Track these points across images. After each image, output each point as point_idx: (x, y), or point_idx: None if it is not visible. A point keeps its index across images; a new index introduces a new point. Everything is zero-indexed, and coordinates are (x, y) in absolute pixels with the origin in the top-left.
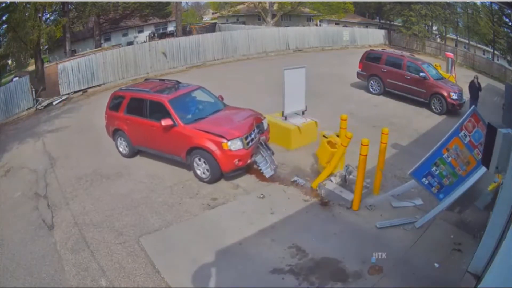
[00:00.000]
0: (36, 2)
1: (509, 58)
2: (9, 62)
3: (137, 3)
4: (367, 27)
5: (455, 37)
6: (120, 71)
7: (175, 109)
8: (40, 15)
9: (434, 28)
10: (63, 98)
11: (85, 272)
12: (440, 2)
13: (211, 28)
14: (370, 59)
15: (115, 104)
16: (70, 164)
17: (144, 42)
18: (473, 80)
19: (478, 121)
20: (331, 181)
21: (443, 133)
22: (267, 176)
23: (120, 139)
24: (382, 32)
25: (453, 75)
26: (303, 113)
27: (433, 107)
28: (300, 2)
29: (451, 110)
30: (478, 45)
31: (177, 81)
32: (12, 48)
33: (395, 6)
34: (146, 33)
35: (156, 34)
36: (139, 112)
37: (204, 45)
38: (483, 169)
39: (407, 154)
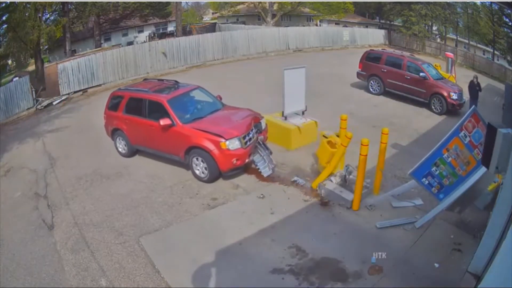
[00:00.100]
0: (36, 2)
1: (509, 58)
2: (9, 62)
3: (137, 3)
4: (367, 27)
5: (455, 37)
6: (120, 71)
7: (174, 108)
8: (40, 15)
9: (434, 28)
10: (63, 98)
11: (85, 272)
12: (440, 2)
13: (211, 28)
14: (370, 59)
15: (114, 104)
16: (70, 164)
17: (144, 42)
18: (472, 80)
19: (478, 121)
20: (331, 181)
21: (443, 133)
22: (265, 175)
23: (119, 139)
24: (382, 32)
25: (453, 75)
26: (303, 113)
27: (433, 107)
28: (300, 2)
29: (451, 110)
30: (478, 45)
31: (176, 81)
32: (12, 48)
33: (395, 6)
34: (146, 33)
35: (156, 34)
36: (138, 111)
37: (204, 45)
38: (483, 169)
39: (407, 154)
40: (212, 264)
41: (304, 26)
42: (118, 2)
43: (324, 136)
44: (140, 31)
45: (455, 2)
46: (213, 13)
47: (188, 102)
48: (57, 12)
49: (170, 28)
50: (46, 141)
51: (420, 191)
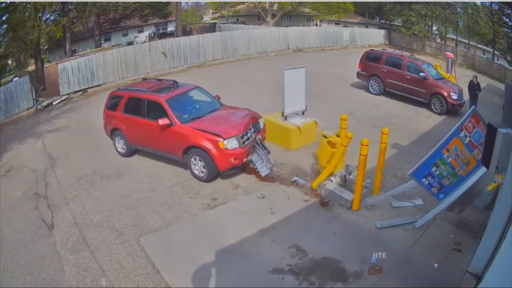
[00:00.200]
0: (36, 2)
1: (509, 58)
2: (9, 62)
3: (137, 3)
4: (367, 27)
5: (455, 37)
6: (120, 71)
7: (172, 108)
8: (40, 15)
9: (434, 28)
10: (63, 98)
11: (85, 272)
12: (440, 2)
13: (211, 28)
14: (370, 59)
15: (113, 104)
16: (70, 164)
17: (144, 42)
18: (472, 79)
19: (478, 121)
20: (331, 181)
21: (443, 133)
22: (263, 174)
23: (118, 138)
24: (382, 32)
25: (453, 75)
26: (303, 113)
27: (433, 107)
28: (300, 2)
29: (451, 110)
30: (478, 45)
31: (174, 81)
32: (12, 48)
33: (395, 6)
34: (146, 33)
35: (156, 34)
36: (137, 111)
37: (204, 45)
38: (483, 169)
39: (407, 154)
40: (212, 264)
41: (304, 26)
42: (118, 2)
43: (324, 136)
44: (140, 31)
45: (455, 2)
46: (213, 13)
47: (187, 102)
48: (57, 12)
49: (170, 28)
50: (46, 141)
51: (420, 191)
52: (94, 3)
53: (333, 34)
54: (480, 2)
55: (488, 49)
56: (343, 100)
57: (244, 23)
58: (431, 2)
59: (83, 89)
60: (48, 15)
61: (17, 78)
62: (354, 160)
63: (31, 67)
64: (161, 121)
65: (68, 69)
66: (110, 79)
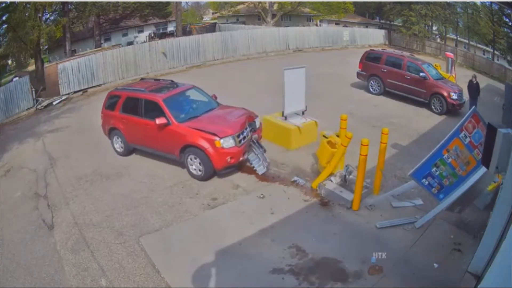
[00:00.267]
0: (36, 2)
1: (509, 58)
2: (9, 62)
3: (137, 3)
4: (367, 27)
5: (455, 37)
6: (120, 71)
7: (169, 108)
8: (40, 15)
9: (434, 28)
10: (63, 98)
11: (85, 272)
12: (440, 2)
13: (211, 28)
14: (370, 59)
15: (111, 104)
16: (70, 164)
17: (144, 42)
18: (471, 79)
19: (478, 121)
20: (331, 181)
21: (443, 133)
22: (259, 173)
23: (116, 138)
24: (382, 32)
25: (453, 75)
26: (303, 113)
27: (433, 107)
28: (300, 2)
29: (451, 110)
30: (478, 45)
31: (172, 81)
32: (12, 48)
33: (395, 6)
34: (146, 33)
35: (156, 34)
36: (135, 111)
37: (204, 45)
38: (483, 169)
39: (407, 154)
40: (212, 264)
41: (304, 26)
42: (118, 2)
43: (324, 136)
44: (140, 31)
45: (455, 2)
46: (213, 13)
47: (184, 101)
48: (57, 12)
49: (170, 28)
50: (46, 141)
51: (420, 191)
52: (94, 3)
53: (333, 34)
54: (480, 2)
55: (488, 49)
56: (343, 100)
57: (244, 23)
58: (431, 2)
59: (83, 89)
60: (48, 15)
61: (17, 78)
62: (354, 160)
63: (31, 67)
64: (158, 121)
65: (68, 69)
66: (110, 79)
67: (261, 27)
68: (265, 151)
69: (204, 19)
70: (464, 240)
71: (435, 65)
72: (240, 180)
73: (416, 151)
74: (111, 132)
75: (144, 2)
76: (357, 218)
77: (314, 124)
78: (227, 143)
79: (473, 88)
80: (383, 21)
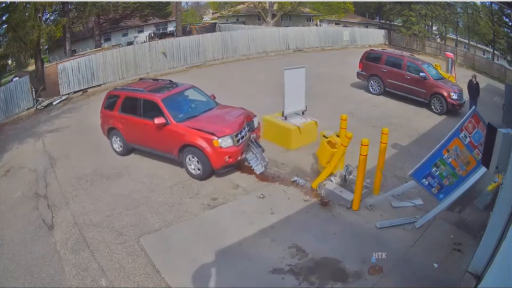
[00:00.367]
0: (36, 2)
1: (509, 58)
2: (9, 62)
3: (137, 3)
4: (367, 27)
5: (455, 37)
6: (120, 71)
7: (168, 107)
8: (40, 15)
9: (434, 28)
10: (63, 98)
11: (85, 272)
12: (440, 2)
13: (211, 28)
14: (370, 59)
15: (110, 103)
16: (70, 164)
17: (144, 42)
18: (471, 79)
19: (478, 121)
20: (331, 181)
21: (443, 133)
22: (257, 172)
23: (115, 138)
24: (382, 32)
25: (453, 75)
26: (303, 113)
27: (433, 107)
28: (300, 2)
29: (451, 110)
30: (478, 45)
31: (170, 81)
32: (12, 48)
33: (395, 6)
34: (146, 33)
35: (156, 34)
36: (133, 111)
37: (204, 45)
38: (483, 169)
39: (407, 154)
40: (212, 264)
41: (304, 26)
42: (118, 2)
43: (324, 136)
44: (140, 31)
45: (455, 2)
46: (213, 13)
47: (182, 101)
48: (57, 12)
49: (170, 28)
50: (46, 141)
51: (420, 191)
52: (94, 3)
53: (333, 34)
54: (480, 2)
55: (488, 49)
56: (343, 100)
57: (244, 23)
58: (431, 2)
59: (83, 89)
60: (48, 15)
61: (17, 78)
62: (354, 160)
63: (31, 67)
64: (157, 120)
65: (68, 69)
66: (110, 79)
67: (261, 27)
68: (263, 150)
69: (204, 19)
70: (464, 240)
71: (435, 65)
72: (240, 180)
73: (416, 151)
74: (110, 132)
75: (144, 2)
76: (357, 218)
77: (314, 124)
78: (225, 142)
79: (473, 88)
80: (383, 21)
